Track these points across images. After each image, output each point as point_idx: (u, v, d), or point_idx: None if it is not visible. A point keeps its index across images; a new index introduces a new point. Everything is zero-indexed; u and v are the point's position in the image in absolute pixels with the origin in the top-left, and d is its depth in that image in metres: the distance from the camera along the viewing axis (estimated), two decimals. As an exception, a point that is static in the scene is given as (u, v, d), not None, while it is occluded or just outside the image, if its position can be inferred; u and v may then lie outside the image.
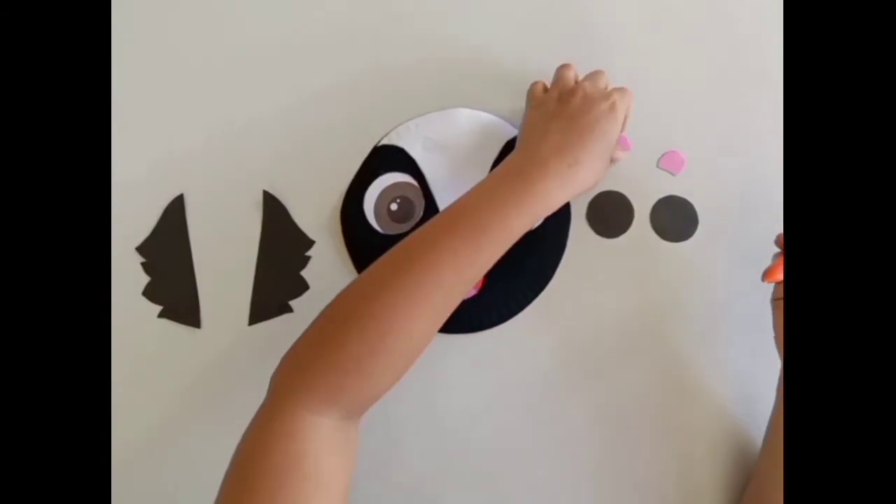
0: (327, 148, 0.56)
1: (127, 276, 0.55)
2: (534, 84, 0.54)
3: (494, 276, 0.54)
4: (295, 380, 0.44)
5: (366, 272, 0.46)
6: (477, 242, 0.46)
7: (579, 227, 0.56)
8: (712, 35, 0.57)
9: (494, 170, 0.49)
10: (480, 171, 0.55)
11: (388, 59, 0.57)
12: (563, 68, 0.53)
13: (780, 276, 0.49)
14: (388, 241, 0.54)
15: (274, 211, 0.56)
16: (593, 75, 0.52)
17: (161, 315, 0.55)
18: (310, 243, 0.56)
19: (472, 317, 0.54)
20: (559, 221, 0.55)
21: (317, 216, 0.56)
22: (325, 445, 0.42)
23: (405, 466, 0.54)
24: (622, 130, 0.51)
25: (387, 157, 0.55)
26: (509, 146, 0.55)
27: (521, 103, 0.56)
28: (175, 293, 0.55)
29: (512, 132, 0.56)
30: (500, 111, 0.56)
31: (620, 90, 0.51)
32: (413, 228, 0.55)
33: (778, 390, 0.51)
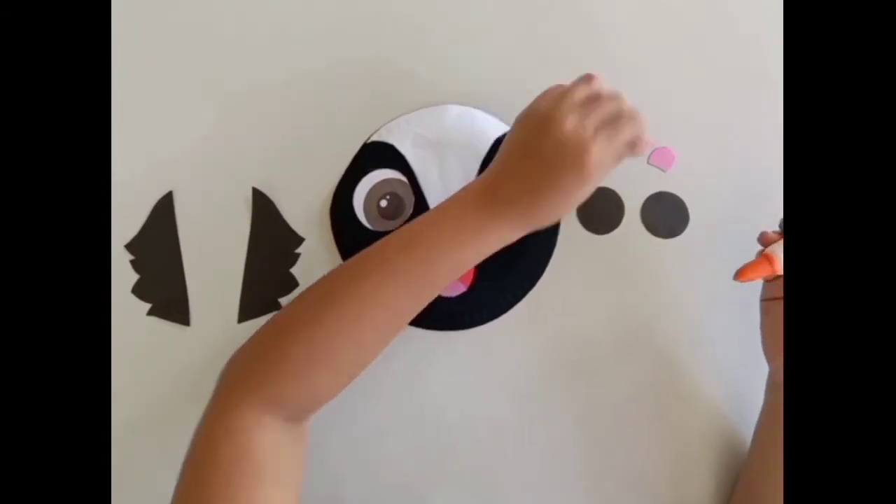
0: (317, 144, 0.56)
1: (116, 273, 0.55)
2: (545, 94, 0.47)
3: (484, 273, 0.54)
4: (240, 380, 0.45)
5: (318, 281, 0.47)
6: (428, 267, 0.45)
7: (570, 223, 0.56)
8: (707, 31, 0.57)
9: (462, 191, 0.47)
10: (471, 168, 0.55)
11: (379, 55, 0.57)
12: (572, 91, 0.46)
13: (753, 275, 0.48)
14: (377, 238, 0.54)
15: (263, 208, 0.55)
16: (598, 104, 0.45)
17: (150, 313, 0.55)
18: (299, 240, 0.55)
19: (461, 314, 0.54)
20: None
21: (306, 213, 0.55)
22: (271, 441, 0.43)
23: (393, 464, 0.54)
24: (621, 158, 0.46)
25: (376, 154, 0.55)
26: (499, 142, 0.55)
27: (511, 100, 0.56)
28: (164, 291, 0.55)
29: (502, 128, 0.55)
30: (490, 108, 0.56)
31: (613, 126, 0.44)
32: (402, 225, 0.55)
33: (766, 389, 0.51)
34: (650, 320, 0.55)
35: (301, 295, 0.47)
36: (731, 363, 0.54)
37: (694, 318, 0.54)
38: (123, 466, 0.52)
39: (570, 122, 0.44)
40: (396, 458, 0.54)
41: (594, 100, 0.45)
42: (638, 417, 0.54)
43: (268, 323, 0.47)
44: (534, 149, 0.45)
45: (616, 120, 0.45)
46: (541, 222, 0.46)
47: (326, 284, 0.47)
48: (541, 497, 0.54)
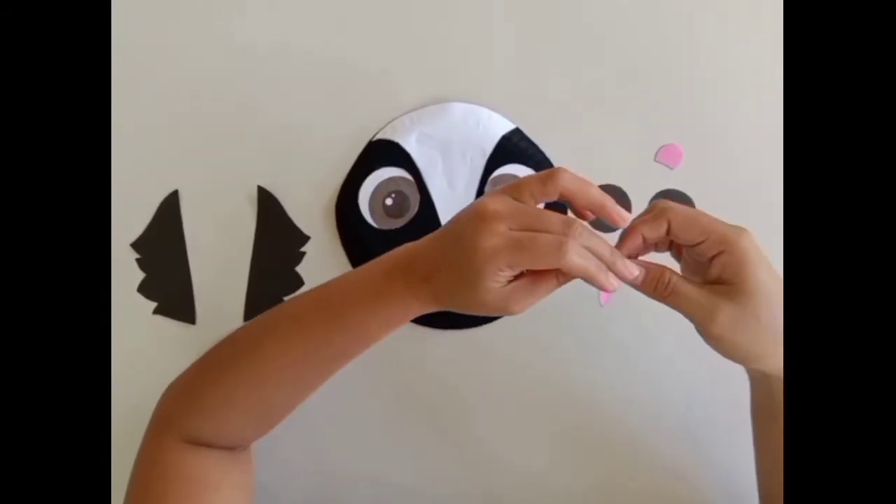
0: (322, 143, 0.56)
1: (122, 272, 0.55)
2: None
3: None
4: (166, 415, 0.46)
5: (249, 322, 0.47)
6: (336, 326, 0.43)
7: (576, 221, 0.55)
8: (713, 28, 0.57)
9: (385, 255, 0.43)
10: (476, 166, 0.55)
11: (384, 52, 0.56)
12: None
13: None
14: (382, 236, 0.54)
15: (268, 206, 0.55)
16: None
17: (156, 311, 0.55)
18: (304, 239, 0.55)
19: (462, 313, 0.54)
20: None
21: (311, 211, 0.55)
22: (202, 461, 0.44)
23: (392, 463, 0.54)
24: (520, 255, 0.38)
25: (381, 152, 0.55)
26: (504, 141, 0.55)
27: (516, 97, 0.56)
28: (170, 289, 0.55)
29: (508, 126, 0.55)
30: (496, 105, 0.56)
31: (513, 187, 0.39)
32: (408, 223, 0.55)
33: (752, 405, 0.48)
34: (655, 316, 0.54)
35: (231, 334, 0.47)
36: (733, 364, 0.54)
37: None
38: (126, 465, 0.52)
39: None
40: (395, 457, 0.54)
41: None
42: (640, 415, 0.54)
43: (202, 356, 0.47)
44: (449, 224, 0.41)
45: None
46: (442, 299, 0.41)
47: (248, 330, 0.47)
48: (544, 492, 0.54)
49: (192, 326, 0.55)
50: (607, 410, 0.54)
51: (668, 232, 0.40)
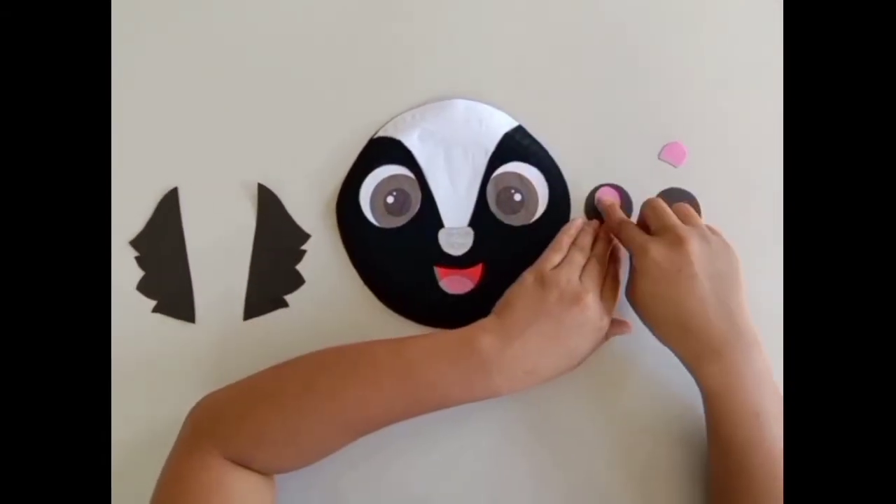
0: (323, 140, 0.55)
1: (121, 270, 0.54)
2: (549, 255, 0.49)
3: (491, 270, 0.53)
4: (208, 426, 0.46)
5: (312, 355, 0.47)
6: (415, 383, 0.45)
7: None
8: (716, 25, 0.56)
9: (462, 331, 0.46)
10: (478, 164, 0.54)
11: (385, 49, 0.56)
12: (574, 252, 0.49)
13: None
14: (383, 234, 0.54)
15: (269, 204, 0.55)
16: (591, 272, 0.48)
17: (155, 310, 0.55)
18: (305, 237, 0.55)
19: (468, 312, 0.53)
20: (558, 215, 0.54)
21: (312, 209, 0.55)
22: (237, 482, 0.44)
23: (396, 464, 0.53)
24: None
25: (383, 149, 0.55)
26: (507, 138, 0.54)
27: (518, 95, 0.55)
28: (169, 287, 0.55)
29: (510, 124, 0.55)
30: (497, 102, 0.55)
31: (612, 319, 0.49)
32: (410, 221, 0.54)
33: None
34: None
35: (293, 363, 0.47)
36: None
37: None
38: (125, 463, 0.51)
39: (592, 287, 0.47)
40: (398, 458, 0.53)
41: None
42: (649, 412, 0.53)
43: (256, 374, 0.47)
44: (550, 313, 0.46)
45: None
46: (529, 384, 0.47)
47: (316, 365, 0.46)
48: (548, 496, 0.53)
49: (191, 325, 0.55)
50: (613, 413, 0.54)
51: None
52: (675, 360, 0.48)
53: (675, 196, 0.55)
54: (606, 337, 0.50)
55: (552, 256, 0.49)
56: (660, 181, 0.55)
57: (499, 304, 0.48)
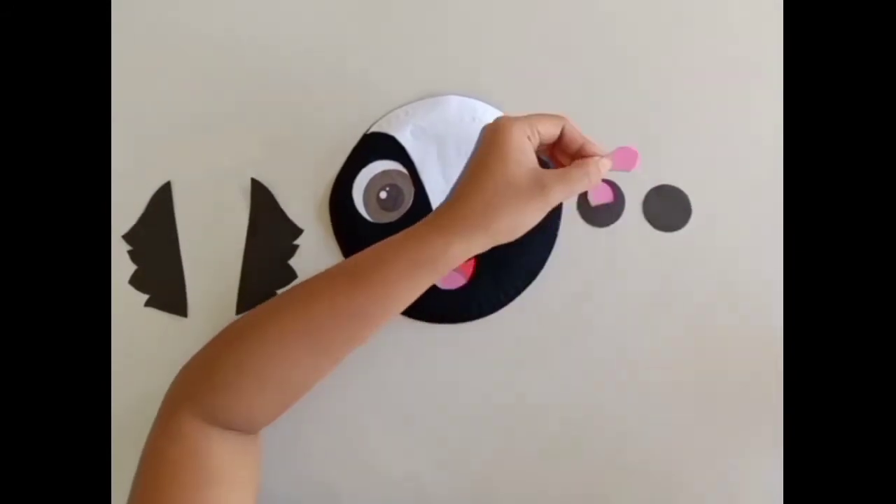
0: (316, 135, 0.55)
1: (114, 264, 0.54)
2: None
3: (484, 266, 0.54)
4: (181, 389, 0.46)
5: (273, 297, 0.47)
6: (352, 288, 0.44)
7: (570, 216, 0.55)
8: (711, 22, 0.56)
9: (413, 246, 0.45)
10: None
11: (378, 45, 0.56)
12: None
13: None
14: (376, 230, 0.54)
15: (262, 199, 0.55)
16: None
17: (148, 304, 0.55)
18: (298, 232, 0.55)
19: (461, 307, 0.54)
20: (550, 210, 0.54)
21: (305, 204, 0.55)
22: (216, 446, 0.44)
23: (393, 458, 0.53)
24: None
25: (376, 145, 0.55)
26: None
27: (511, 91, 0.55)
28: (162, 282, 0.55)
29: (503, 120, 0.55)
30: (490, 99, 0.55)
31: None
32: (402, 217, 0.54)
33: None
34: (651, 314, 0.54)
35: (255, 307, 0.47)
36: (733, 354, 0.53)
37: (695, 310, 0.54)
38: (121, 457, 0.51)
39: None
40: (396, 452, 0.53)
41: None
42: (639, 411, 0.54)
43: (221, 331, 0.47)
44: (471, 158, 0.46)
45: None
46: (482, 220, 0.44)
47: (273, 301, 0.46)
48: (541, 489, 0.53)
49: (183, 319, 0.55)
50: (612, 410, 0.54)
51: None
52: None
53: (667, 193, 0.55)
54: (577, 185, 0.46)
55: None
56: (651, 177, 0.55)
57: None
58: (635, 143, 0.55)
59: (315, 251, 0.55)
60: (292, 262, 0.55)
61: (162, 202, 0.55)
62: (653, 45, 0.56)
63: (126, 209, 0.55)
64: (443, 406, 0.54)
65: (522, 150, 0.45)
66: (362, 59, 0.56)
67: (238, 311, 0.54)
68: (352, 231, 0.54)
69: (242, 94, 0.56)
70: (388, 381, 0.54)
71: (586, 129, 0.55)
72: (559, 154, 0.50)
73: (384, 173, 0.55)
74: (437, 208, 0.46)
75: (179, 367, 0.53)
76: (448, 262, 0.44)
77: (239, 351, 0.44)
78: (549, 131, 0.47)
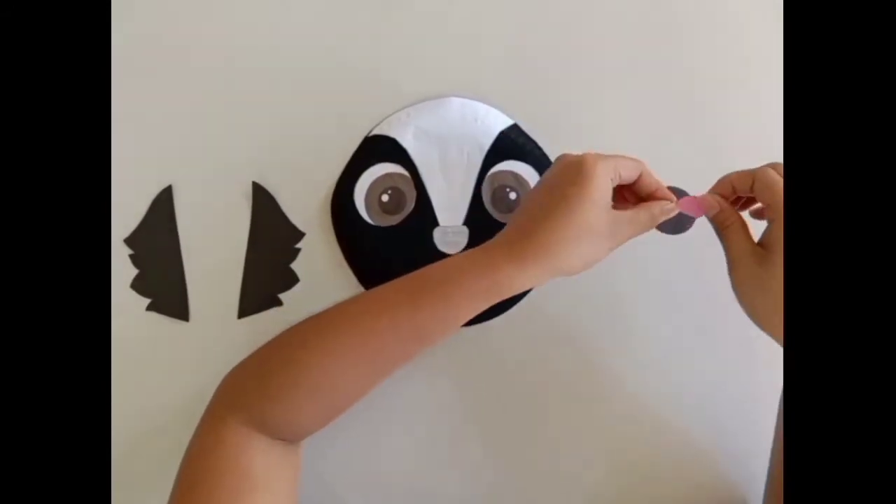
0: (317, 138, 0.55)
1: (115, 268, 0.54)
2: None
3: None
4: (230, 395, 0.46)
5: (329, 308, 0.47)
6: (413, 304, 0.44)
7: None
8: (713, 24, 0.56)
9: (481, 262, 0.45)
10: (473, 162, 0.54)
11: (380, 47, 0.56)
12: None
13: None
14: (378, 233, 0.54)
15: (263, 202, 0.55)
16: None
17: (149, 308, 0.54)
18: (300, 235, 0.55)
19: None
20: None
21: (307, 207, 0.55)
22: (261, 455, 0.44)
23: (393, 461, 0.53)
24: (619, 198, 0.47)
25: (378, 147, 0.54)
26: (502, 136, 0.54)
27: (513, 92, 0.55)
28: (163, 286, 0.54)
29: (506, 122, 0.55)
30: (493, 100, 0.55)
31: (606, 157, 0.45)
32: (404, 220, 0.54)
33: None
34: (655, 317, 0.54)
35: (306, 320, 0.47)
36: (735, 357, 0.53)
37: (698, 312, 0.54)
38: (123, 462, 0.51)
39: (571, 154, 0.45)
40: (397, 455, 0.53)
41: None
42: (641, 414, 0.53)
43: (268, 342, 0.47)
44: (541, 181, 0.46)
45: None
46: (550, 265, 0.44)
47: (331, 313, 0.47)
48: (543, 494, 0.53)
49: (185, 323, 0.54)
50: (613, 412, 0.54)
51: (752, 189, 0.45)
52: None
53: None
54: (643, 228, 0.46)
55: None
56: (656, 180, 0.55)
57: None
58: (638, 145, 0.55)
59: (317, 254, 0.55)
60: (294, 265, 0.55)
61: (163, 206, 0.55)
62: (655, 47, 0.56)
63: (127, 213, 0.55)
64: (444, 410, 0.54)
65: (605, 194, 0.44)
66: (364, 61, 0.56)
67: (240, 315, 0.54)
68: (353, 234, 0.54)
69: (244, 96, 0.55)
70: (390, 382, 0.54)
71: (588, 130, 0.55)
72: (627, 192, 0.48)
73: (386, 176, 0.54)
74: (508, 231, 0.45)
75: (181, 372, 0.54)
76: (512, 291, 0.44)
77: (297, 364, 0.44)
78: (630, 175, 0.46)
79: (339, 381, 0.45)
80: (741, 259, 0.45)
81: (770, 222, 0.45)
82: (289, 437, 0.46)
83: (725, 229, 0.46)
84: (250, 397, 0.45)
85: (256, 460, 0.43)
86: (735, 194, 0.47)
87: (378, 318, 0.44)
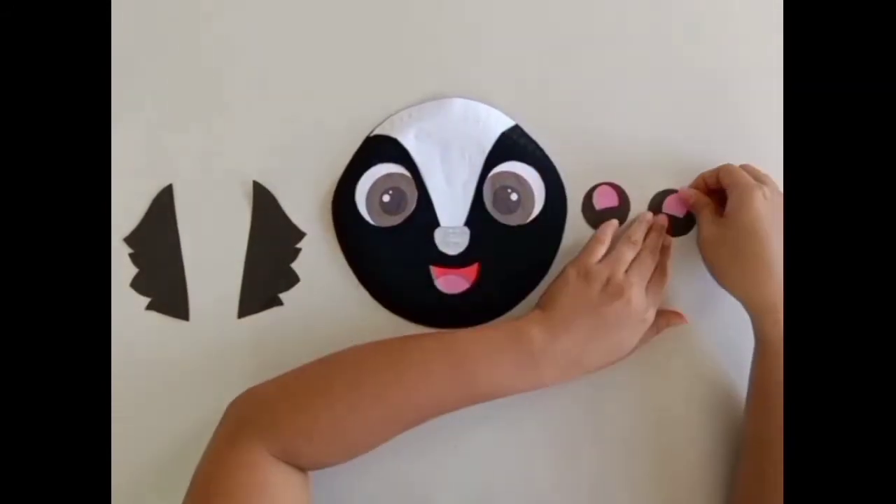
0: (319, 138, 0.55)
1: (115, 267, 0.54)
2: (592, 247, 0.51)
3: (487, 270, 0.53)
4: (253, 418, 0.45)
5: (358, 348, 0.48)
6: (463, 380, 0.46)
7: (575, 220, 0.55)
8: (715, 24, 0.56)
9: (511, 324, 0.48)
10: (475, 163, 0.54)
11: (382, 48, 0.56)
12: (623, 246, 0.50)
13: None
14: (379, 233, 0.54)
15: (264, 202, 0.55)
16: (640, 265, 0.50)
17: (149, 307, 0.54)
18: (300, 235, 0.55)
19: (464, 311, 0.53)
20: (554, 215, 0.54)
21: (307, 207, 0.55)
22: (280, 479, 0.44)
23: (396, 463, 0.53)
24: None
25: (379, 148, 0.54)
26: (504, 138, 0.54)
27: (515, 94, 0.55)
28: (163, 285, 0.54)
29: (507, 123, 0.55)
30: (494, 101, 0.55)
31: (655, 296, 0.50)
32: (405, 221, 0.54)
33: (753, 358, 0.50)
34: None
35: (340, 356, 0.47)
36: (736, 361, 0.53)
37: (700, 312, 0.54)
38: (121, 462, 0.51)
39: (636, 281, 0.49)
40: (399, 458, 0.53)
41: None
42: (640, 415, 0.53)
43: (300, 369, 0.47)
44: (596, 307, 0.48)
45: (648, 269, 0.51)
46: (575, 374, 0.48)
47: (364, 361, 0.47)
48: (547, 494, 0.53)
49: (185, 323, 0.54)
50: (613, 413, 0.54)
51: (718, 179, 0.52)
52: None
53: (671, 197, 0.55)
54: (658, 330, 0.51)
55: (595, 248, 0.51)
56: (657, 181, 0.55)
57: (542, 298, 0.51)
58: (639, 146, 0.55)
59: (317, 254, 0.54)
60: (294, 265, 0.54)
61: (163, 205, 0.55)
62: (656, 49, 0.56)
63: (127, 212, 0.54)
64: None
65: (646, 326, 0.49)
66: (365, 62, 0.56)
67: (240, 315, 0.54)
68: (354, 234, 0.54)
69: (245, 96, 0.55)
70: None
71: (589, 133, 0.55)
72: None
73: (387, 176, 0.54)
74: (552, 320, 0.48)
75: (181, 371, 0.54)
76: (542, 385, 0.48)
77: (330, 407, 0.45)
78: (658, 298, 0.51)
79: (375, 430, 0.46)
80: (707, 226, 0.51)
81: (729, 196, 0.50)
82: (306, 467, 0.46)
83: (699, 212, 0.52)
84: (278, 429, 0.44)
85: (279, 486, 0.43)
86: (707, 187, 0.53)
87: (422, 392, 0.46)
